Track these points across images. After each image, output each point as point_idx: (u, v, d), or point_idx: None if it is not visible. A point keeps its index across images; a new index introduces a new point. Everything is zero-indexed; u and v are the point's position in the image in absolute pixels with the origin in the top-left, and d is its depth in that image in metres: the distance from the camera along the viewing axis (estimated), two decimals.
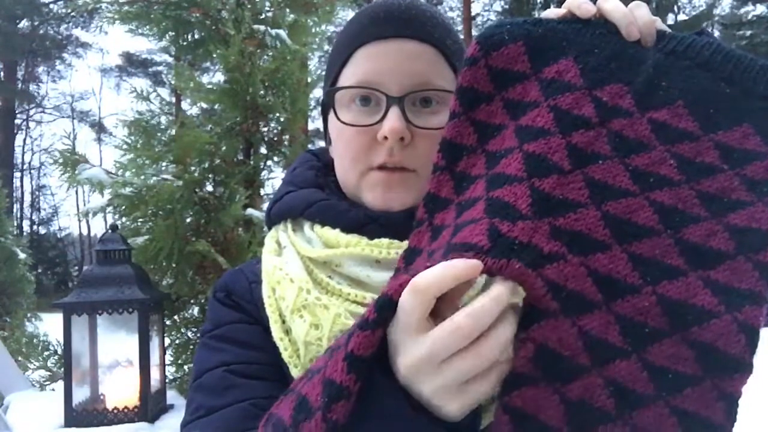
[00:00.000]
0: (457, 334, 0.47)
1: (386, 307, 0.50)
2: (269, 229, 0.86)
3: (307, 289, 0.72)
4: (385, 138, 0.73)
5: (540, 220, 0.53)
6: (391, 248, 0.71)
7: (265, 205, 3.27)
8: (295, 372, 0.71)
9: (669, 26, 0.65)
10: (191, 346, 2.82)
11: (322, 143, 0.94)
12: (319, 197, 0.79)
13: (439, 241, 0.58)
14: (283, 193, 0.83)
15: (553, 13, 0.65)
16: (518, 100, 0.61)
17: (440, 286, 0.48)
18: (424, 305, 0.48)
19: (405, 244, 0.67)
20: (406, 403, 0.50)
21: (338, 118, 0.76)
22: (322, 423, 0.50)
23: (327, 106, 0.80)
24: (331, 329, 0.69)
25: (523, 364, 0.49)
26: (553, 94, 0.59)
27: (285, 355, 0.72)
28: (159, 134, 2.85)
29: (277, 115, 2.96)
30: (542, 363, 0.49)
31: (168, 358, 2.74)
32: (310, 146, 3.44)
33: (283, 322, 0.73)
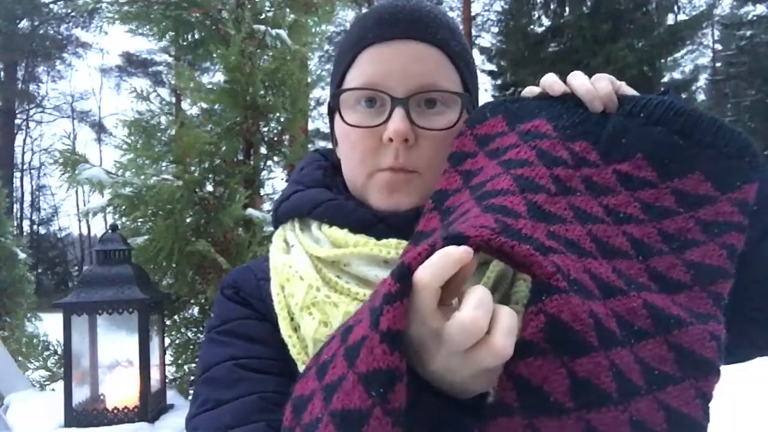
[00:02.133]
0: (475, 327, 0.47)
1: (406, 275, 0.49)
2: (276, 228, 0.85)
3: (316, 286, 0.72)
4: (390, 139, 0.73)
5: (537, 223, 0.58)
6: (399, 248, 0.72)
7: (265, 206, 3.27)
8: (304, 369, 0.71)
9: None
10: (191, 346, 2.82)
11: (322, 143, 0.94)
12: (326, 197, 0.79)
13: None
14: (291, 192, 0.83)
15: (529, 92, 0.73)
16: (498, 147, 0.69)
17: (442, 275, 0.49)
18: (429, 298, 0.49)
19: None
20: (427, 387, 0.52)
21: (343, 120, 0.77)
22: (385, 417, 0.46)
23: (333, 108, 0.80)
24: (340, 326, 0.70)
25: (533, 334, 0.48)
26: (531, 139, 0.67)
27: (293, 352, 0.72)
28: (159, 134, 2.85)
29: (277, 115, 2.96)
30: (553, 335, 0.48)
31: (168, 358, 2.74)
32: (310, 146, 3.43)
33: (292, 319, 0.73)
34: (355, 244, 0.73)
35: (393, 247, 0.72)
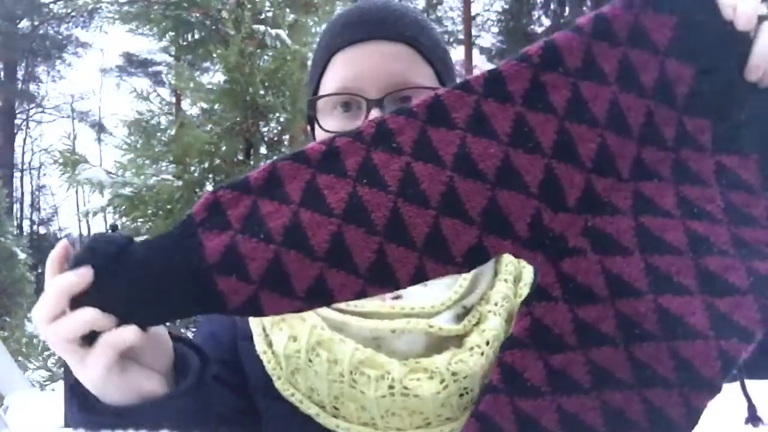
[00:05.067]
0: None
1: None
2: None
3: None
4: None
5: (579, 215, 0.57)
6: None
7: None
8: (279, 384, 0.72)
9: None
10: None
11: None
12: None
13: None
14: None
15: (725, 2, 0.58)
16: (635, 68, 0.58)
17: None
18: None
19: None
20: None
21: (321, 127, 0.76)
22: None
23: (311, 116, 0.80)
24: (308, 341, 0.70)
25: (519, 331, 0.59)
26: (658, 96, 0.58)
27: (269, 368, 0.72)
28: (159, 134, 2.86)
29: (277, 115, 2.97)
30: (535, 334, 0.58)
31: None
32: None
33: (267, 335, 0.74)
34: None
35: None
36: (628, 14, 0.58)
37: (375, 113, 0.72)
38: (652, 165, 0.58)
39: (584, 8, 15.20)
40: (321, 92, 0.78)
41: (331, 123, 0.75)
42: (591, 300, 0.57)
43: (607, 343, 0.57)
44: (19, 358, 3.16)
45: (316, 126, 0.78)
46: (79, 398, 0.57)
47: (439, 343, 0.71)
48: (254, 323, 0.75)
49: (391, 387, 0.67)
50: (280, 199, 0.54)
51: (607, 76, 0.58)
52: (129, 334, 0.53)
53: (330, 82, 0.76)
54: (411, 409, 0.68)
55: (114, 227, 2.22)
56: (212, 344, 0.76)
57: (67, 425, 0.58)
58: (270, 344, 0.73)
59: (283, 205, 0.54)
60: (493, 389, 0.59)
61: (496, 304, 0.74)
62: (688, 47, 0.58)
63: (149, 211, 2.70)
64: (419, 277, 0.56)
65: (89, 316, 0.53)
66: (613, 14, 0.58)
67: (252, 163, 2.97)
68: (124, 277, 0.53)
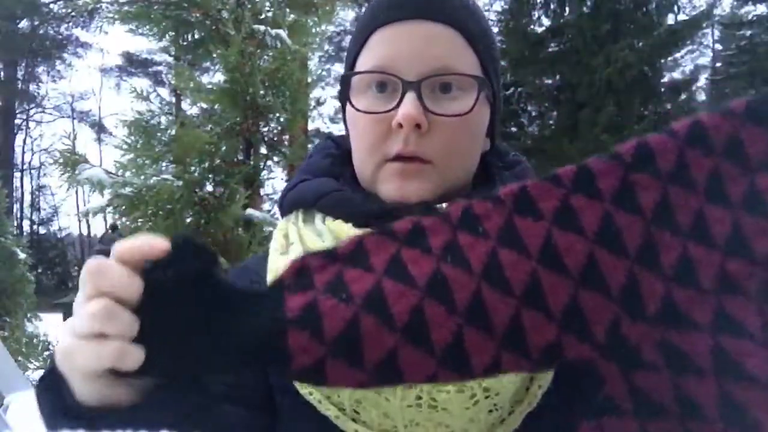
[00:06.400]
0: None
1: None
2: (282, 217, 0.82)
3: None
4: (400, 125, 0.68)
5: (656, 327, 0.55)
6: None
7: (265, 205, 3.26)
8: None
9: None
10: None
11: None
12: (332, 187, 0.74)
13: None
14: (297, 182, 0.80)
15: None
16: (725, 180, 0.57)
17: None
18: None
19: None
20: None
21: (353, 106, 0.72)
22: None
23: (343, 93, 0.76)
24: None
25: None
26: (747, 208, 0.56)
27: None
28: (159, 134, 2.86)
29: (277, 115, 2.97)
30: None
31: None
32: (309, 146, 3.43)
33: None
34: None
35: None
36: (727, 125, 0.56)
37: (409, 97, 0.68)
38: (737, 279, 0.55)
39: (584, 8, 15.21)
40: (357, 69, 0.73)
41: (364, 102, 0.71)
42: (662, 417, 0.56)
43: None
44: (19, 358, 3.16)
45: (348, 105, 0.74)
46: (52, 397, 0.51)
47: None
48: None
49: (418, 398, 0.66)
50: (365, 268, 0.54)
51: (696, 185, 0.56)
52: (135, 357, 0.46)
53: (368, 59, 0.72)
54: (437, 421, 0.66)
55: (114, 227, 2.26)
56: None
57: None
58: None
59: (367, 273, 0.53)
60: None
61: None
62: None
63: (149, 211, 2.70)
64: (493, 368, 0.53)
65: (127, 326, 0.46)
66: (711, 123, 0.56)
67: (252, 163, 2.98)
68: (194, 303, 0.48)
